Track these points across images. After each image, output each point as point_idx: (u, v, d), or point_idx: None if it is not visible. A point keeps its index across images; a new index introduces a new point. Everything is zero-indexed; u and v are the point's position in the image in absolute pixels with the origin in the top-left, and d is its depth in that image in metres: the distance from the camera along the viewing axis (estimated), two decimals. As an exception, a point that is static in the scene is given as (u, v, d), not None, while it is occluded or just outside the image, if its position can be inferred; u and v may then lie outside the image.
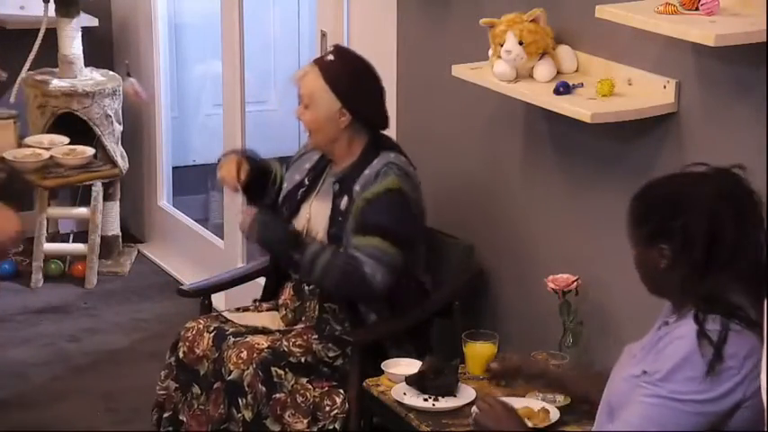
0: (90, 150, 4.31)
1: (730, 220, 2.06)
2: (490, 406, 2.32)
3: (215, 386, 2.88)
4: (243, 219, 2.99)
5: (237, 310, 3.14)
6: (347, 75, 2.94)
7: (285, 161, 3.20)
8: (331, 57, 2.96)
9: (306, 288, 3.03)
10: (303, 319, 3.03)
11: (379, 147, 2.98)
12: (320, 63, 2.97)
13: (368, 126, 2.98)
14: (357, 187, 2.93)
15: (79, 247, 4.46)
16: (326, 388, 2.89)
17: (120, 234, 4.63)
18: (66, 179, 4.24)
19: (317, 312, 3.01)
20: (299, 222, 3.02)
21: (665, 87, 2.60)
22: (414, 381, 2.66)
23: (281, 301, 3.10)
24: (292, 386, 2.86)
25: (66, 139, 4.31)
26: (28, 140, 4.29)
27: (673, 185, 2.14)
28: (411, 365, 2.75)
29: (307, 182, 3.06)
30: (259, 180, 3.10)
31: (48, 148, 4.25)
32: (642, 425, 2.04)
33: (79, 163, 4.25)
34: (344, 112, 2.93)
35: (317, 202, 3.02)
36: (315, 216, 2.99)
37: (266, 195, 3.14)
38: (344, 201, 2.95)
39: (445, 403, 2.63)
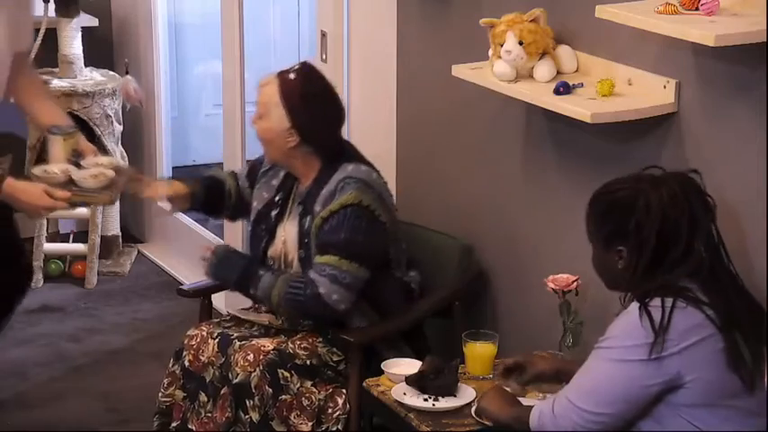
0: (110, 173, 4.00)
1: (682, 221, 2.18)
2: (487, 392, 2.43)
3: (222, 391, 2.88)
4: (203, 255, 3.00)
5: (240, 310, 3.14)
6: (302, 96, 2.90)
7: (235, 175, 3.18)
8: (293, 74, 2.92)
9: None
10: (299, 328, 3.01)
11: (336, 161, 2.94)
12: (282, 77, 2.93)
13: (317, 152, 2.95)
14: (317, 207, 2.91)
15: (79, 247, 4.46)
16: (330, 390, 2.90)
17: (120, 234, 4.63)
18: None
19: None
20: (276, 246, 3.01)
21: (664, 87, 2.60)
22: (414, 381, 2.67)
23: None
24: (298, 389, 2.86)
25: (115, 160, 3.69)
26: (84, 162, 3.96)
27: (628, 188, 2.24)
28: (411, 365, 2.76)
29: (277, 200, 3.05)
30: (212, 195, 3.10)
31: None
32: (592, 382, 2.17)
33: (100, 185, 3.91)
34: (293, 132, 2.91)
35: (290, 225, 3.01)
36: (288, 239, 2.99)
37: (223, 209, 3.15)
38: (308, 221, 2.94)
39: (445, 403, 2.64)
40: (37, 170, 2.96)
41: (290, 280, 2.89)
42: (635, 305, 2.19)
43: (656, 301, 2.16)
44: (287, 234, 3.00)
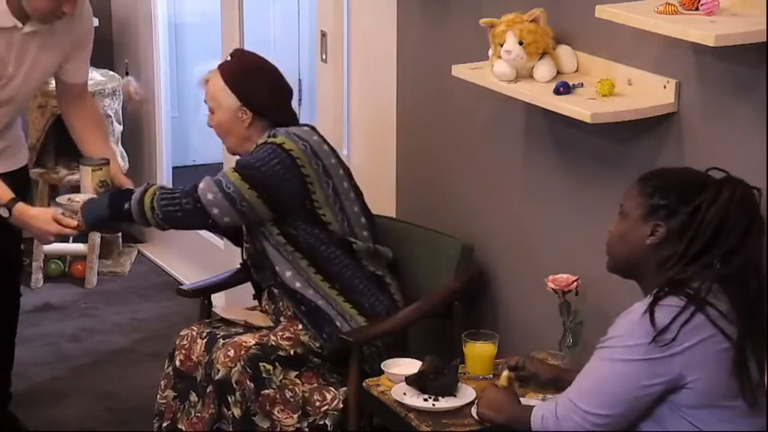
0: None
1: (736, 228, 2.12)
2: (484, 393, 2.42)
3: (208, 390, 2.88)
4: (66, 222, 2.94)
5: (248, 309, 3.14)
6: (242, 72, 2.97)
7: None
8: (229, 58, 3.01)
9: (275, 291, 3.03)
10: (282, 319, 3.03)
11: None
12: (220, 66, 3.01)
13: (274, 124, 2.97)
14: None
15: (79, 247, 4.46)
16: (315, 384, 2.89)
17: (120, 234, 4.63)
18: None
19: (291, 310, 3.01)
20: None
21: (664, 87, 2.60)
22: (414, 381, 2.67)
23: (264, 306, 3.11)
24: (281, 381, 2.85)
25: None
26: None
27: (694, 177, 2.21)
28: (411, 365, 2.76)
29: None
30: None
31: None
32: (594, 382, 2.15)
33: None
34: (244, 109, 2.95)
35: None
36: None
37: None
38: None
39: (445, 403, 2.64)
40: (61, 198, 3.06)
41: (165, 187, 2.92)
42: (638, 304, 2.16)
43: (670, 300, 2.12)
44: None
